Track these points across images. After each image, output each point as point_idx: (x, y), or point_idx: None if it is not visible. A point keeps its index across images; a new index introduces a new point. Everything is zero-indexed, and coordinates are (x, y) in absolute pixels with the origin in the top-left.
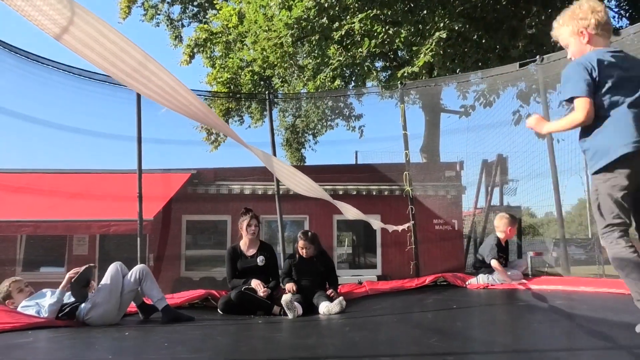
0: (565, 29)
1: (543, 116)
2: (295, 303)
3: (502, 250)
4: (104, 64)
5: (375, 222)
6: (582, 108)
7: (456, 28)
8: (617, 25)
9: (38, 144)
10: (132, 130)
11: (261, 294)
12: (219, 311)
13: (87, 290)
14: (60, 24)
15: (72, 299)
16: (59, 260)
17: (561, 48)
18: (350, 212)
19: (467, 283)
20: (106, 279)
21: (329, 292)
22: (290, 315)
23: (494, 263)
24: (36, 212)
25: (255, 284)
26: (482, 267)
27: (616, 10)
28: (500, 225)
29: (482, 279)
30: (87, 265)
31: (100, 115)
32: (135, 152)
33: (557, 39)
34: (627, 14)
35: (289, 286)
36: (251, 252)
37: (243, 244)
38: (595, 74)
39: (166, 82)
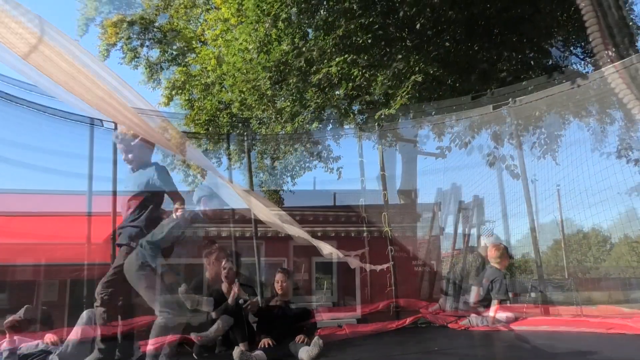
0: None
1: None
2: (257, 352)
3: None
4: (76, 87)
5: (353, 261)
6: None
7: (431, 72)
8: (584, 71)
9: None
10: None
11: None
12: (194, 356)
13: None
14: (30, 42)
15: (39, 348)
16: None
17: (531, 92)
18: (326, 250)
19: (461, 323)
20: (77, 330)
21: (298, 338)
22: None
23: (496, 305)
24: None
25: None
26: (479, 303)
27: (582, 57)
28: (496, 256)
29: (474, 321)
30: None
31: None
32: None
33: None
34: (592, 61)
35: (264, 341)
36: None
37: (225, 288)
38: None
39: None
